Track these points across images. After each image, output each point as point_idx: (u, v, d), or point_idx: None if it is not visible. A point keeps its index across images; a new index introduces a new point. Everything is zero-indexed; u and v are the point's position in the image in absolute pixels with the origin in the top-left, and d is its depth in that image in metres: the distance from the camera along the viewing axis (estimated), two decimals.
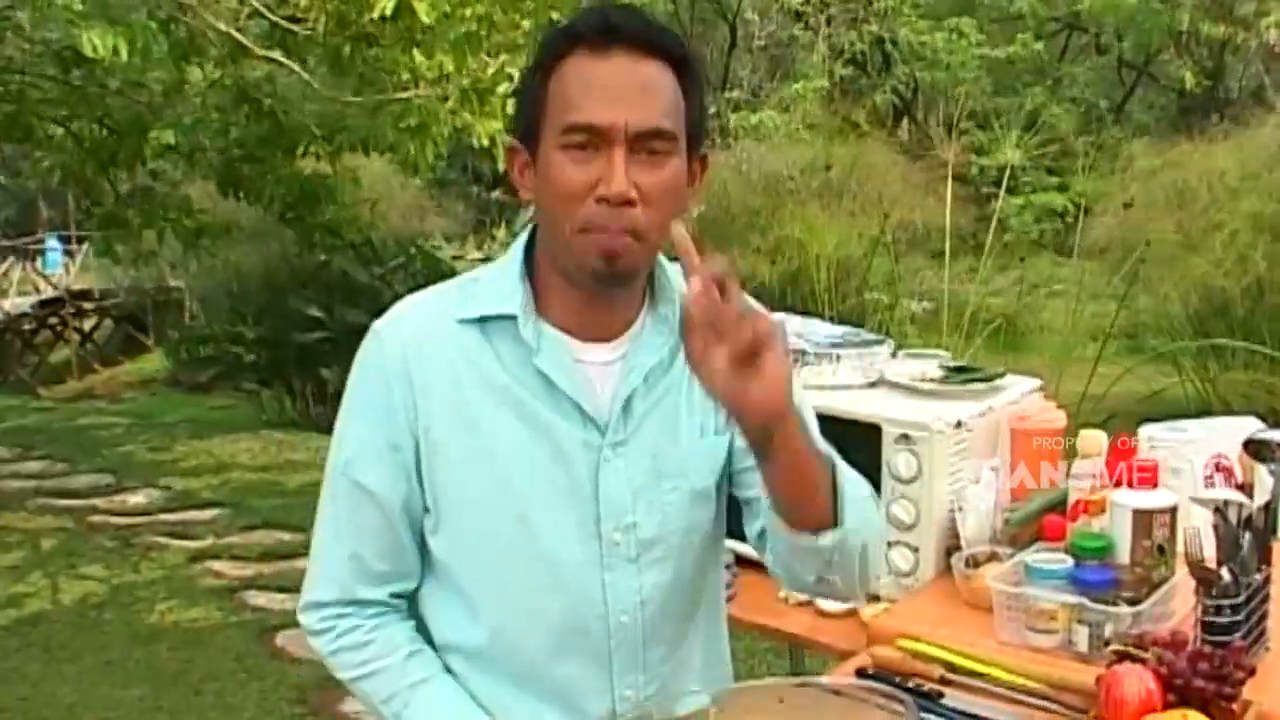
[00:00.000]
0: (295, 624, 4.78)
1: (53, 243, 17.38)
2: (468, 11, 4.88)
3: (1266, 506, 1.62)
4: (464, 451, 1.37)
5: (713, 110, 13.74)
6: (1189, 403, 5.24)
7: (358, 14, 5.25)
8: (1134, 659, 1.49)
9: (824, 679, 1.40)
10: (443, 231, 11.66)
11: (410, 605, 1.51)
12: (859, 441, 2.07)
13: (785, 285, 6.69)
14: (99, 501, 6.37)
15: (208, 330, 9.01)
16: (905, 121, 12.55)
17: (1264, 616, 1.65)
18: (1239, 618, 1.56)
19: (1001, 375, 2.20)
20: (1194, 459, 1.87)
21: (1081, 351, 5.34)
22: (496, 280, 1.39)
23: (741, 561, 2.27)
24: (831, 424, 2.09)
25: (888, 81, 11.61)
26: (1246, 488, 1.79)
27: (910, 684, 1.69)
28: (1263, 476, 1.77)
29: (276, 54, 6.13)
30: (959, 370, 2.22)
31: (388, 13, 4.78)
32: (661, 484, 1.40)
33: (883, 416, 2.05)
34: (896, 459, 2.03)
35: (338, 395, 6.09)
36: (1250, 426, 2.09)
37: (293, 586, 5.08)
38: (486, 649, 1.42)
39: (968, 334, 5.10)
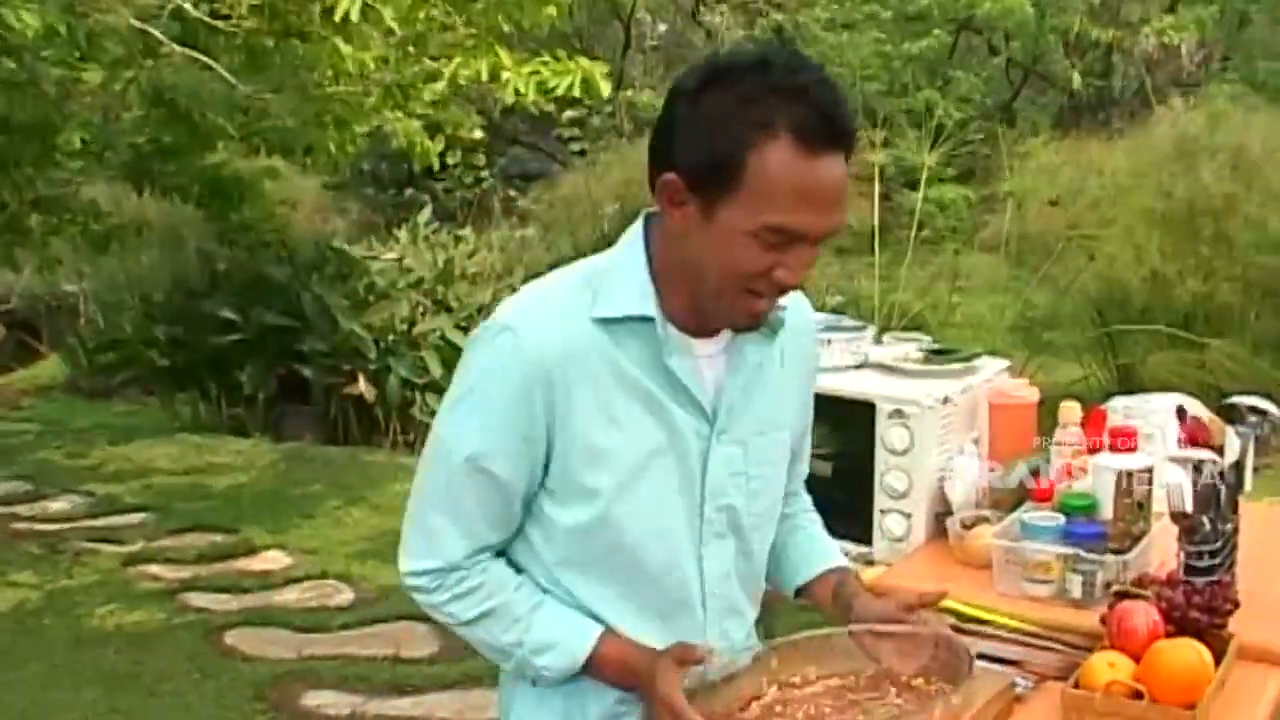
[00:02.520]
0: (244, 623, 4.78)
1: None
2: (421, 14, 4.93)
3: (1237, 464, 1.84)
4: (601, 442, 1.45)
5: (610, 110, 13.89)
6: (1109, 386, 5.56)
7: (297, 9, 5.25)
8: (1136, 596, 1.70)
9: (874, 625, 1.56)
10: (344, 233, 11.59)
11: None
12: (853, 418, 2.26)
13: None
14: (20, 509, 6.24)
15: (117, 335, 8.83)
16: None
17: (1234, 561, 1.87)
18: (1217, 561, 1.78)
19: (978, 356, 2.41)
20: (1163, 425, 2.09)
21: (992, 343, 5.61)
22: (625, 280, 1.45)
23: None
24: (828, 402, 2.28)
25: None
26: (1217, 448, 2.01)
27: None
28: (1232, 437, 2.00)
29: (192, 52, 6.08)
30: (938, 352, 2.42)
31: (353, 16, 4.78)
32: (750, 469, 1.55)
33: (876, 394, 2.24)
34: (890, 433, 2.22)
35: (253, 398, 6.13)
36: (1179, 400, 2.32)
37: (233, 587, 5.16)
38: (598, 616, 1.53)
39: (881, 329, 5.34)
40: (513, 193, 13.20)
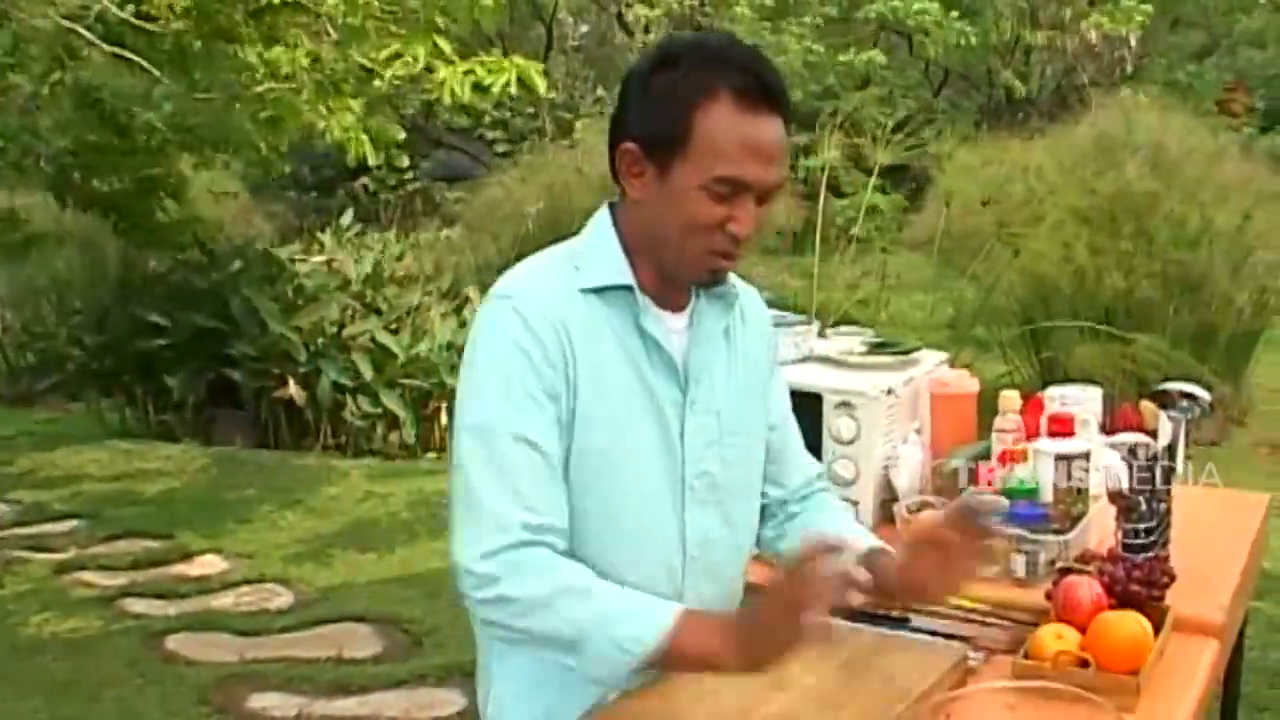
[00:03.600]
0: (184, 628, 4.77)
1: None
2: (360, 3, 4.90)
3: (1169, 446, 1.95)
4: (600, 408, 1.54)
5: (532, 111, 13.89)
6: (1034, 381, 5.73)
7: (226, 9, 5.22)
8: (1079, 572, 1.79)
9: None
10: (268, 235, 11.49)
11: None
12: (802, 409, 2.33)
13: None
14: None
15: (38, 340, 8.68)
16: None
17: (1169, 538, 1.98)
18: (1153, 538, 1.88)
19: (917, 349, 2.50)
20: (1097, 413, 2.19)
21: (920, 340, 5.75)
22: (602, 255, 1.58)
23: None
24: None
25: None
26: (1151, 432, 2.11)
27: (879, 613, 1.97)
28: (1164, 422, 2.11)
29: (123, 51, 6.01)
30: (879, 346, 2.51)
31: None
32: (724, 439, 1.65)
33: (824, 386, 2.32)
34: (837, 423, 2.30)
35: (182, 402, 6.09)
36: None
37: (170, 592, 5.12)
38: None
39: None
40: (437, 195, 13.18)
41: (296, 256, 8.62)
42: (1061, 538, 1.98)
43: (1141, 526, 1.86)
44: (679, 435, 1.61)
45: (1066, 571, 1.81)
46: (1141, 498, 1.86)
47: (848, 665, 1.67)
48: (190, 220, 7.96)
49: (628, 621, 1.45)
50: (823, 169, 5.96)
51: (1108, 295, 5.67)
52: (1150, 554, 1.86)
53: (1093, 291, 5.68)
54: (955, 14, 9.55)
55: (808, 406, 2.32)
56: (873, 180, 6.26)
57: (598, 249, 1.59)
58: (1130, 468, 1.89)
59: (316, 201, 14.05)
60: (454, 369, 7.39)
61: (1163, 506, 1.91)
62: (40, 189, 7.52)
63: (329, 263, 8.59)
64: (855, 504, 2.31)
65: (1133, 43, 8.33)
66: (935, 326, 6.07)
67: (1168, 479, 1.92)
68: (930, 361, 2.49)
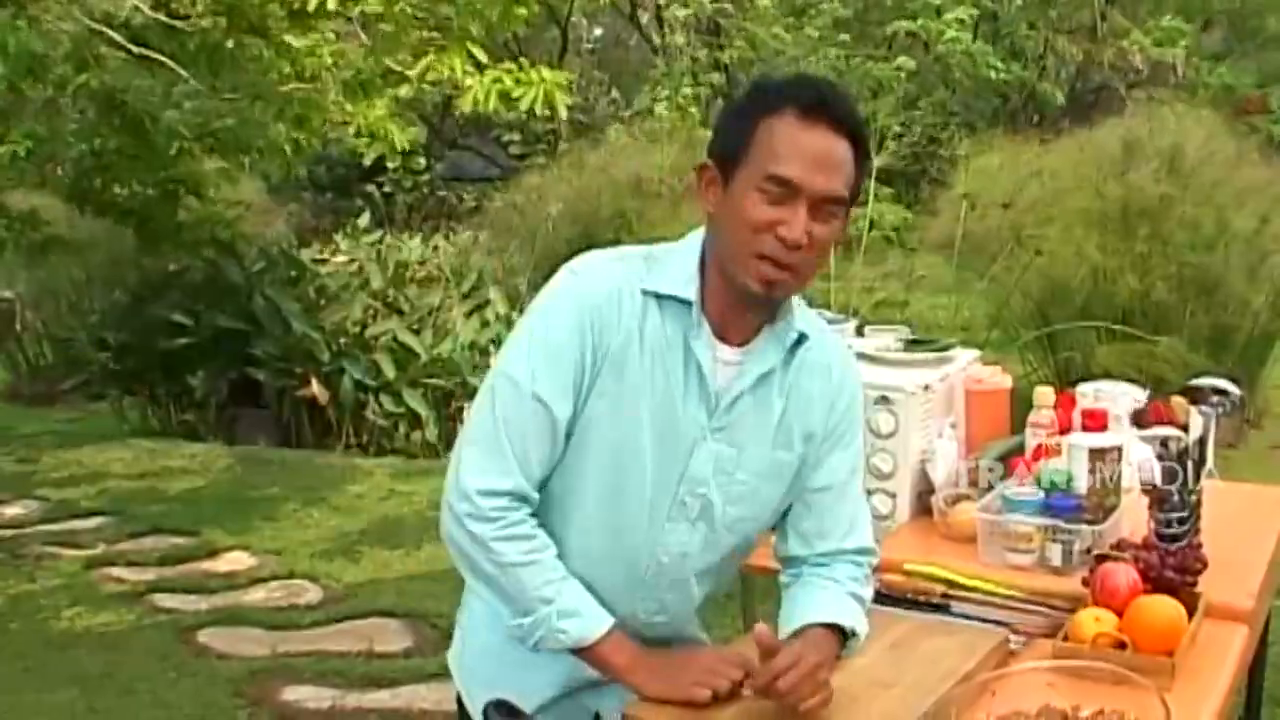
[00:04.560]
0: (214, 623, 4.83)
1: None
2: (396, 7, 4.96)
3: (1200, 440, 2.02)
4: (617, 395, 1.63)
5: (548, 114, 13.96)
6: (1052, 382, 5.79)
7: (259, 6, 5.27)
8: (1115, 559, 1.86)
9: None
10: (285, 237, 11.56)
11: None
12: None
13: None
14: None
15: (61, 339, 8.78)
16: None
17: (1199, 528, 2.04)
18: (1185, 528, 1.94)
19: (952, 346, 2.56)
20: (1129, 409, 2.26)
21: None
22: (679, 265, 1.66)
23: None
24: None
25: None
26: (1182, 426, 2.18)
27: (921, 599, 2.04)
28: (1195, 416, 2.18)
29: (150, 53, 6.07)
30: (915, 343, 2.57)
31: (330, 5, 4.81)
32: (736, 474, 1.70)
33: (864, 381, 2.38)
34: (877, 418, 2.36)
35: (205, 401, 6.15)
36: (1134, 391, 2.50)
37: (200, 588, 5.19)
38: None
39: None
40: (453, 196, 13.24)
41: (318, 257, 8.69)
42: (1095, 528, 2.04)
43: (1174, 516, 1.92)
44: (688, 452, 1.67)
45: (1103, 559, 1.87)
46: (1174, 489, 1.92)
47: (896, 647, 1.74)
48: (211, 219, 8.02)
49: (569, 616, 1.64)
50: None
51: (1124, 297, 5.74)
52: (1183, 543, 1.92)
53: (1109, 294, 5.75)
54: (986, 48, 9.53)
55: None
56: (872, 184, 6.29)
57: (676, 256, 1.68)
58: (1161, 460, 1.96)
59: (332, 203, 14.12)
60: (476, 369, 7.47)
61: (1194, 498, 1.97)
62: (60, 196, 7.58)
63: (351, 263, 8.66)
64: (893, 496, 2.38)
65: (1179, 66, 8.33)
66: (954, 328, 6.12)
67: (1199, 472, 1.98)
68: (964, 359, 2.56)
